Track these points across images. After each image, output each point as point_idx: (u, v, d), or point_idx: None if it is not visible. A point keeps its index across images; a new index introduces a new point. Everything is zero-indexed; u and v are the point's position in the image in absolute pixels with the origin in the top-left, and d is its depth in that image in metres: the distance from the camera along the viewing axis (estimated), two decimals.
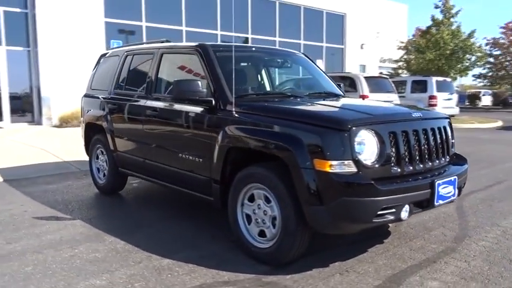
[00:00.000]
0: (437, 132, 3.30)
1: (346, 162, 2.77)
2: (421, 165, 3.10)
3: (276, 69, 4.68)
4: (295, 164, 2.85)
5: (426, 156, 3.14)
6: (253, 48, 4.57)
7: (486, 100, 35.43)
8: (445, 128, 3.44)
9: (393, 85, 12.77)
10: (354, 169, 2.78)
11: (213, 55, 3.84)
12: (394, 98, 11.66)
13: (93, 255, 3.39)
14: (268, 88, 4.30)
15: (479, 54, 20.07)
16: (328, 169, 2.75)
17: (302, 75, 4.60)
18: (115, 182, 5.13)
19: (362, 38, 25.69)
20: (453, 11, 19.51)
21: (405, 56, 23.58)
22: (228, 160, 3.41)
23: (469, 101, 34.96)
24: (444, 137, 3.39)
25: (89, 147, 5.56)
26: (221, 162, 3.42)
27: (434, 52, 18.88)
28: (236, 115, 3.36)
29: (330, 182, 2.76)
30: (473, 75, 30.87)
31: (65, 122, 13.89)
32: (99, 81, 5.48)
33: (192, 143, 3.80)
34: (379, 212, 2.78)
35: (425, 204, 3.04)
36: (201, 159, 3.67)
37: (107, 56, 5.53)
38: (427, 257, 3.38)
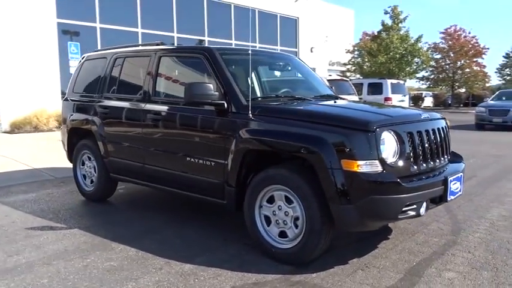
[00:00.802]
0: (441, 131, 3.51)
1: (372, 162, 2.89)
2: (432, 163, 3.29)
3: (279, 72, 4.75)
4: (323, 165, 2.93)
5: (436, 155, 3.34)
6: (257, 52, 4.60)
7: (428, 101, 37.47)
8: (444, 127, 3.66)
9: (353, 87, 13.24)
10: (379, 168, 2.91)
11: (220, 58, 3.84)
12: (355, 100, 12.09)
13: (107, 264, 3.28)
14: (273, 91, 4.34)
15: (425, 58, 21.24)
16: (356, 169, 2.86)
17: (299, 77, 4.70)
18: (105, 188, 4.97)
19: (312, 41, 26.32)
20: (401, 17, 20.51)
21: (354, 60, 24.48)
22: (244, 163, 3.43)
23: (412, 102, 36.83)
24: (445, 136, 3.62)
25: (72, 153, 5.33)
26: (238, 165, 3.44)
27: (385, 56, 19.75)
28: (252, 118, 3.39)
29: (358, 182, 2.87)
30: (417, 78, 32.60)
31: (17, 128, 13.21)
32: (83, 84, 5.28)
33: (202, 146, 3.78)
34: (403, 209, 2.93)
35: (438, 200, 3.23)
36: (212, 163, 3.65)
37: (90, 58, 5.34)
38: (434, 250, 3.58)
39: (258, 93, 4.13)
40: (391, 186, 2.88)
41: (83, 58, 5.45)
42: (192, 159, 3.81)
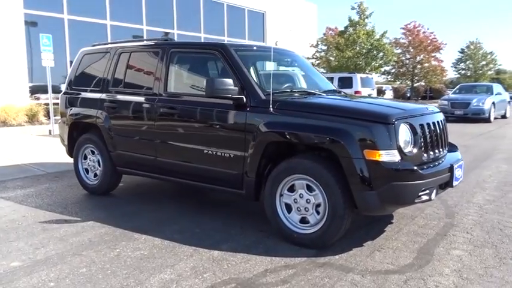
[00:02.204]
0: (441, 123, 3.85)
1: (392, 151, 3.17)
2: (438, 153, 3.62)
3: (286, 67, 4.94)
4: (347, 155, 3.18)
5: (440, 144, 3.67)
6: (264, 48, 4.78)
7: (388, 94, 38.80)
8: (443, 120, 4.00)
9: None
10: (398, 157, 3.19)
11: (236, 54, 4.00)
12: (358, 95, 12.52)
13: (138, 253, 3.40)
14: (284, 85, 4.52)
15: (389, 53, 22.05)
16: (378, 158, 3.13)
17: (305, 73, 4.91)
18: (110, 182, 5.02)
19: (277, 35, 26.57)
20: (367, 13, 21.18)
21: (318, 54, 24.98)
22: (264, 155, 3.63)
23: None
24: (444, 127, 3.96)
25: (72, 147, 5.33)
26: (259, 157, 3.63)
27: (352, 50, 20.36)
28: (273, 112, 3.59)
29: (380, 170, 3.14)
30: (380, 72, 33.69)
31: None
32: (83, 78, 5.28)
33: (220, 139, 3.94)
34: (419, 194, 3.23)
35: (444, 185, 3.56)
36: (231, 155, 3.82)
37: (90, 53, 5.34)
38: (436, 231, 3.92)
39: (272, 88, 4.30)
40: (410, 173, 3.17)
41: (80, 53, 5.43)
42: (210, 152, 3.97)
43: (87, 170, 5.21)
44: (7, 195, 5.15)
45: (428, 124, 3.51)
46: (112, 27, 18.11)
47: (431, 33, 32.87)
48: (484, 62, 43.15)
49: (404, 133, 3.27)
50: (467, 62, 43.62)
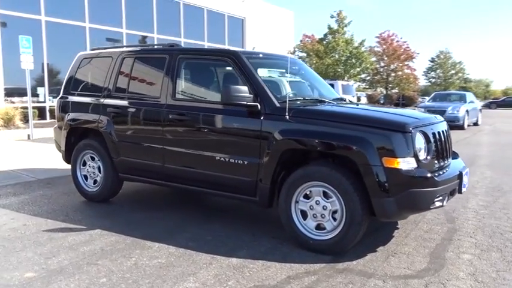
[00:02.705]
0: (446, 132, 3.97)
1: (409, 159, 3.26)
2: (445, 160, 3.74)
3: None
4: (366, 163, 3.24)
5: (447, 152, 3.79)
6: (272, 56, 4.81)
7: (363, 101, 39.56)
8: (448, 129, 4.13)
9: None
10: (415, 165, 3.28)
11: (248, 62, 4.02)
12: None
13: (155, 261, 3.36)
14: (293, 93, 4.56)
15: (367, 61, 22.54)
16: (396, 165, 3.21)
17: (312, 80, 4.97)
18: (111, 189, 4.93)
19: (256, 41, 26.70)
20: (346, 21, 21.60)
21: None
22: (280, 161, 3.66)
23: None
24: (449, 136, 4.09)
25: (69, 153, 5.20)
26: (275, 164, 3.65)
27: (331, 58, 20.69)
28: (289, 119, 3.62)
29: (398, 177, 3.21)
30: (358, 79, 34.34)
31: None
32: (83, 83, 5.19)
33: (233, 146, 3.94)
34: (434, 200, 3.33)
35: (453, 192, 3.67)
36: (245, 162, 3.83)
37: (89, 57, 5.25)
38: (441, 236, 4.03)
39: (284, 96, 4.32)
40: (426, 180, 3.27)
41: (79, 57, 5.32)
42: (222, 158, 3.96)
43: (86, 177, 5.10)
44: (1, 203, 4.98)
45: (438, 133, 3.63)
46: (91, 30, 17.80)
47: (405, 42, 33.80)
48: (453, 71, 44.66)
49: (419, 141, 3.37)
50: (438, 71, 45.02)
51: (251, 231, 4.07)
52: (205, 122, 4.12)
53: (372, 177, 3.24)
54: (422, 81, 48.21)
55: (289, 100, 3.80)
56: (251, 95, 3.76)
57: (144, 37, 20.33)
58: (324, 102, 4.25)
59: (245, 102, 3.74)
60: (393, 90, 37.30)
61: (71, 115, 5.14)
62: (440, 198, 3.40)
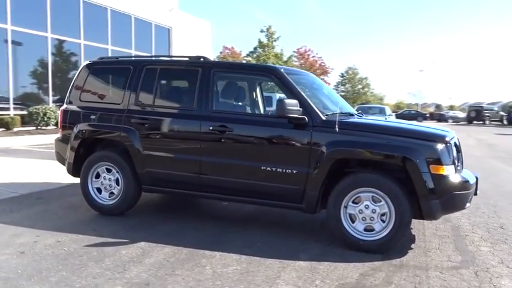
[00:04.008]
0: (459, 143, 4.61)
1: (450, 166, 3.80)
2: (462, 167, 4.36)
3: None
4: (417, 170, 3.71)
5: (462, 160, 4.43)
6: (301, 72, 5.07)
7: None
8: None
9: None
10: (454, 171, 3.83)
11: (289, 77, 4.31)
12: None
13: (231, 268, 3.47)
14: (328, 107, 4.83)
15: None
16: (442, 172, 3.72)
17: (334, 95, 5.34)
18: (132, 201, 4.83)
19: (181, 51, 26.58)
20: (275, 36, 22.58)
21: None
22: (330, 170, 3.99)
23: None
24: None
25: (78, 165, 4.98)
26: (325, 173, 3.97)
27: None
28: (338, 131, 3.97)
29: (444, 181, 3.73)
30: None
31: None
32: (95, 93, 5.03)
33: (280, 156, 4.17)
34: (467, 201, 3.90)
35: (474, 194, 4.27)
36: (294, 171, 4.09)
37: (101, 66, 5.11)
38: (451, 233, 4.65)
39: (323, 110, 4.60)
40: (465, 184, 3.83)
41: (87, 66, 5.14)
42: (268, 168, 4.17)
43: (99, 189, 4.92)
44: (5, 220, 4.61)
45: (458, 143, 4.24)
46: (13, 33, 16.42)
47: (320, 58, 35.98)
48: (360, 86, 48.48)
49: (454, 150, 3.93)
50: (347, 85, 48.51)
51: (291, 236, 4.33)
52: (249, 133, 4.30)
53: (422, 182, 3.72)
54: None
55: (331, 114, 4.16)
56: (301, 109, 4.04)
57: (70, 43, 19.24)
58: (352, 115, 4.66)
59: (296, 115, 4.02)
60: None
61: (82, 126, 4.93)
62: (470, 198, 3.98)
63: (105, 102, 4.93)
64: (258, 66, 4.55)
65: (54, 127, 16.31)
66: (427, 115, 41.15)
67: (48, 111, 16.08)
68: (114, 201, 4.85)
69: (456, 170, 3.88)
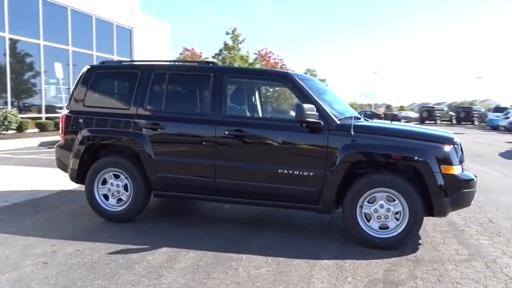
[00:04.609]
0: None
1: (459, 166, 4.08)
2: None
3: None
4: (429, 170, 3.96)
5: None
6: (307, 77, 5.18)
7: None
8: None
9: None
10: (461, 170, 4.12)
11: (302, 83, 4.45)
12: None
13: (264, 269, 3.56)
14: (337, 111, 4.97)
15: None
16: (452, 171, 4.00)
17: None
18: (141, 206, 4.80)
19: (140, 52, 26.10)
20: (240, 39, 22.71)
21: None
22: (346, 172, 4.17)
23: None
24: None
25: (83, 172, 4.88)
26: (342, 174, 4.15)
27: None
28: (354, 134, 4.16)
29: (454, 180, 4.01)
30: None
31: None
32: (100, 97, 4.95)
33: (297, 159, 4.30)
34: (473, 198, 4.21)
35: None
36: (311, 173, 4.24)
37: (105, 71, 5.03)
38: (449, 229, 4.96)
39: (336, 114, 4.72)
40: (472, 182, 4.13)
41: (90, 70, 5.04)
42: (285, 171, 4.29)
43: (105, 196, 4.85)
44: (10, 230, 4.45)
45: (460, 145, 4.55)
46: None
47: (281, 60, 36.38)
48: None
49: (460, 152, 4.22)
50: None
51: (305, 236, 4.48)
52: (265, 137, 4.41)
53: (434, 182, 3.97)
54: None
55: (344, 118, 4.35)
56: (317, 113, 4.20)
57: (28, 43, 18.43)
58: (359, 118, 4.87)
59: (313, 120, 4.17)
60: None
61: (87, 131, 4.83)
62: (474, 196, 4.29)
63: (112, 108, 4.86)
64: (271, 71, 4.63)
65: (15, 131, 15.62)
66: (382, 115, 42.62)
67: (9, 115, 15.34)
68: (123, 208, 4.79)
69: (462, 170, 4.17)
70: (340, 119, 4.33)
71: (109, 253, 3.87)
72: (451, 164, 4.01)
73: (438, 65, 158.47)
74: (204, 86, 4.62)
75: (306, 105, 4.13)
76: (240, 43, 22.89)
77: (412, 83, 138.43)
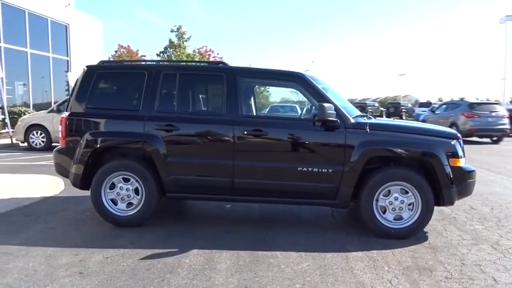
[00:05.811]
0: None
1: (463, 159, 4.47)
2: None
3: None
4: (440, 163, 4.31)
5: None
6: (316, 78, 5.29)
7: None
8: None
9: None
10: (465, 162, 4.51)
11: (315, 83, 4.61)
12: None
13: (304, 265, 3.68)
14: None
15: None
16: (458, 164, 4.38)
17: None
18: (154, 209, 4.69)
19: (76, 50, 24.89)
20: (186, 36, 22.42)
21: None
22: (364, 167, 4.40)
23: None
24: None
25: (88, 176, 4.67)
26: (360, 170, 4.37)
27: None
28: (369, 132, 4.40)
29: (460, 172, 4.39)
30: None
31: None
32: (105, 99, 4.77)
33: (316, 157, 4.46)
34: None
35: None
36: (330, 170, 4.41)
37: (108, 71, 4.84)
38: (445, 216, 5.38)
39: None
40: (473, 173, 4.54)
41: (91, 71, 4.80)
42: (305, 169, 4.43)
43: (114, 201, 4.68)
44: (19, 241, 4.17)
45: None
46: None
47: (221, 58, 36.35)
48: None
49: (462, 145, 4.63)
50: None
51: (322, 231, 4.66)
52: (284, 136, 4.51)
53: (444, 174, 4.32)
54: None
55: (356, 116, 4.58)
56: (335, 112, 4.38)
57: None
58: (367, 117, 5.12)
59: (332, 119, 4.35)
60: None
61: (93, 134, 4.61)
62: (475, 185, 4.71)
63: (119, 109, 4.68)
64: (284, 72, 4.68)
65: None
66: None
67: None
68: (134, 212, 4.66)
69: (465, 162, 4.58)
70: (353, 117, 4.55)
71: (141, 259, 3.77)
72: (457, 156, 4.39)
73: (364, 64, 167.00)
74: (217, 86, 4.62)
75: (327, 105, 4.29)
76: (186, 41, 22.63)
77: (339, 80, 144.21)
